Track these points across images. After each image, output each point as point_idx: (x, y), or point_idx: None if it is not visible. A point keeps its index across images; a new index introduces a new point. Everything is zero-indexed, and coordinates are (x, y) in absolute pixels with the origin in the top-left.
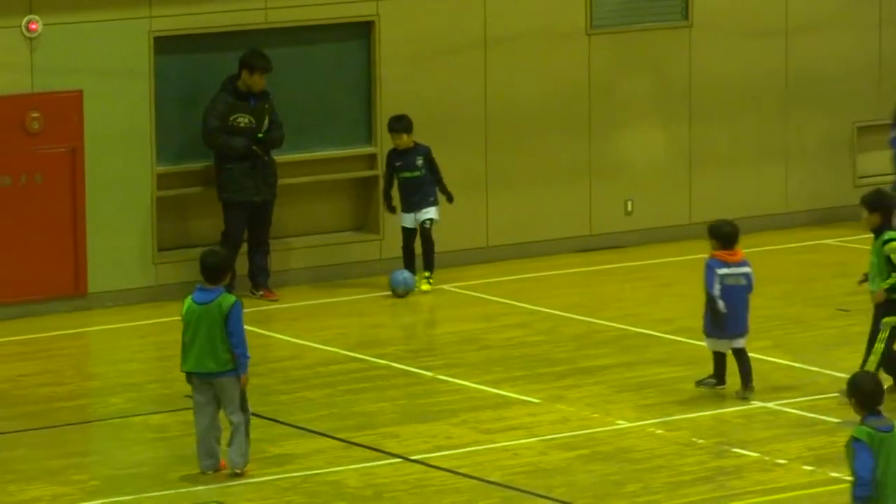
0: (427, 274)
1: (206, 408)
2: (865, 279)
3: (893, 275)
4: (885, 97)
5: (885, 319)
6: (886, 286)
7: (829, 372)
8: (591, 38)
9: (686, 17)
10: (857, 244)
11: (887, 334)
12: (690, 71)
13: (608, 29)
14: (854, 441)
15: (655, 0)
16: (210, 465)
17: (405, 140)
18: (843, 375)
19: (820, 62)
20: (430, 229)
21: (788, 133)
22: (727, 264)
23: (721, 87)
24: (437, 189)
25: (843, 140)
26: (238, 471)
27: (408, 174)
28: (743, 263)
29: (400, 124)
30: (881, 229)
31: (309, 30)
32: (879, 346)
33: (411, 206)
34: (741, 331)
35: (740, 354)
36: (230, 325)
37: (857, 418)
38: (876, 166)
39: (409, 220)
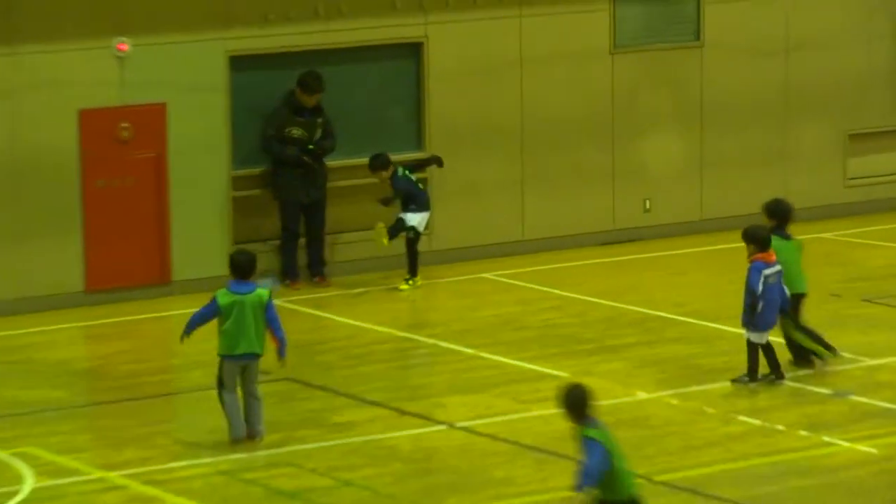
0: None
1: (236, 386)
2: None
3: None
4: (872, 108)
5: None
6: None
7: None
8: (615, 58)
9: (698, 38)
10: (848, 238)
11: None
12: (702, 85)
13: (629, 49)
14: (590, 439)
15: (671, 23)
16: (243, 435)
17: (383, 175)
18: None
19: (816, 77)
20: (417, 233)
21: (788, 140)
22: (768, 265)
23: (729, 100)
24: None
25: (836, 146)
26: (259, 438)
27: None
28: (776, 263)
29: (377, 161)
30: (778, 229)
31: (365, 49)
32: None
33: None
34: (775, 322)
35: (769, 343)
36: (269, 313)
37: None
38: (864, 169)
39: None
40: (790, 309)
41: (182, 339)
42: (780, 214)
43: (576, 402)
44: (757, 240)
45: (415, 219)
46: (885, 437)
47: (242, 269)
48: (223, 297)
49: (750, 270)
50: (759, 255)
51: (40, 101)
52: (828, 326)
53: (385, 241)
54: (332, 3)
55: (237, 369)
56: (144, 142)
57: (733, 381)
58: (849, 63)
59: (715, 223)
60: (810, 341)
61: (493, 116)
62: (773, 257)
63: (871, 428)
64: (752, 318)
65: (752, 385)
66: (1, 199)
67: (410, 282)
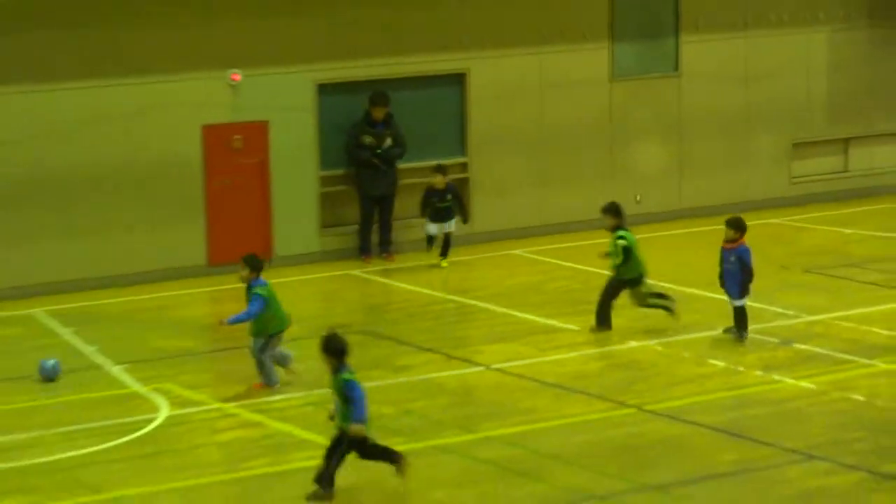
0: (444, 260)
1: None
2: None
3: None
4: (811, 123)
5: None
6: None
7: (773, 308)
8: (612, 84)
9: (676, 69)
10: (792, 223)
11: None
12: (680, 105)
13: (623, 78)
14: (350, 381)
15: (655, 58)
16: (278, 382)
17: (439, 181)
18: (781, 311)
19: (768, 99)
20: (450, 234)
21: (747, 147)
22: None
23: (700, 116)
24: (457, 211)
25: (783, 152)
26: (292, 362)
27: (441, 204)
28: None
29: (441, 169)
30: (616, 228)
31: (422, 78)
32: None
33: (440, 220)
34: None
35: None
36: None
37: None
38: (805, 170)
39: (433, 228)
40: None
41: (224, 324)
42: (622, 214)
43: (337, 348)
44: (743, 228)
45: (452, 224)
46: (821, 376)
47: (257, 264)
48: (265, 291)
49: (744, 253)
50: (742, 239)
51: (172, 118)
52: (777, 291)
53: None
54: (395, 43)
55: (280, 339)
56: (252, 150)
57: (725, 330)
58: (793, 89)
59: (691, 212)
60: (658, 300)
61: (519, 128)
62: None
63: (810, 369)
64: (748, 290)
65: (744, 336)
66: (143, 195)
67: (445, 262)
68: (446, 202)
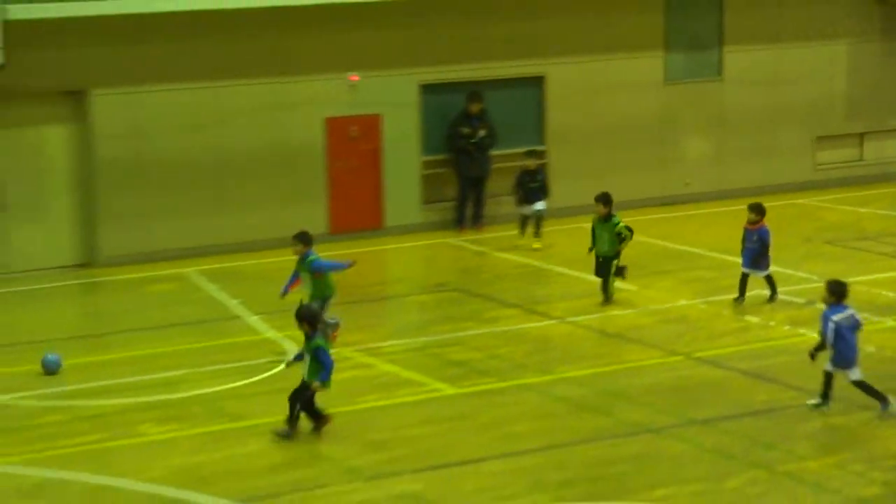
0: (537, 241)
1: None
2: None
3: (620, 245)
4: (831, 120)
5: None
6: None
7: (799, 273)
8: (665, 87)
9: (720, 73)
10: (816, 203)
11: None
12: (722, 105)
13: (675, 81)
14: (320, 348)
15: (702, 66)
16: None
17: (531, 164)
18: (806, 276)
19: (795, 99)
20: (541, 213)
21: (778, 139)
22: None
23: (740, 114)
24: (545, 192)
25: (808, 144)
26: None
27: (533, 185)
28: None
29: (532, 154)
30: (609, 216)
31: (509, 80)
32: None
33: (530, 201)
34: None
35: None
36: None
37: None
38: (826, 159)
39: (527, 210)
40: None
41: (283, 295)
42: (611, 202)
43: (309, 318)
44: (763, 212)
45: (542, 204)
46: None
47: (307, 239)
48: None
49: (765, 233)
50: (763, 222)
51: (302, 112)
52: (802, 259)
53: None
54: (486, 51)
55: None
56: (367, 139)
57: (769, 300)
58: (817, 91)
59: (730, 193)
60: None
61: (587, 122)
62: (758, 225)
63: None
64: (769, 262)
65: (774, 298)
66: (277, 174)
67: (538, 244)
68: (537, 182)
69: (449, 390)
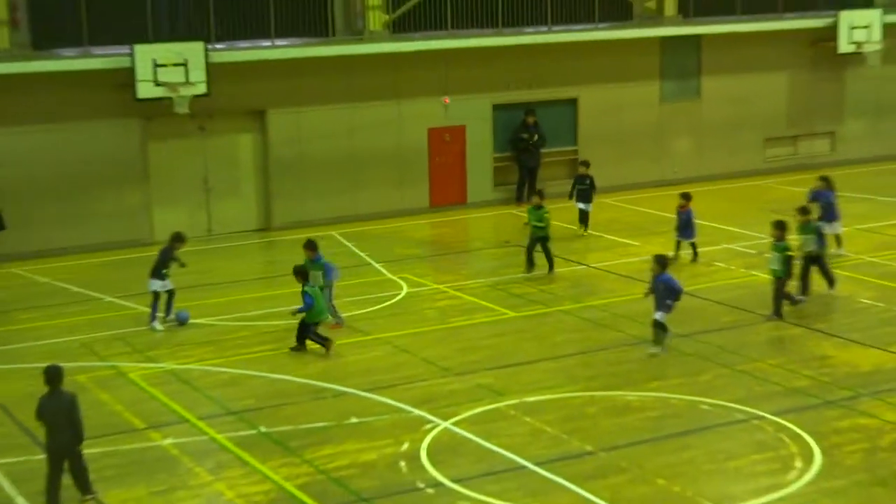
0: (586, 230)
1: None
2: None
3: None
4: (776, 126)
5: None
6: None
7: (750, 232)
8: (661, 105)
9: (699, 95)
10: (765, 184)
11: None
12: (701, 117)
13: (667, 101)
14: (305, 293)
15: (686, 90)
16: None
17: (582, 170)
18: (756, 234)
19: (751, 112)
20: (587, 211)
21: (739, 139)
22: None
23: (713, 123)
24: (592, 194)
25: (760, 143)
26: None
27: (581, 187)
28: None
29: (584, 163)
30: (541, 206)
31: (552, 101)
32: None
33: (582, 200)
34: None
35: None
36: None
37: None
38: (772, 154)
39: (581, 206)
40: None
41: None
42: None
43: (299, 272)
44: (689, 197)
45: (590, 206)
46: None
47: (314, 245)
48: (321, 265)
49: (690, 213)
50: (689, 205)
51: (411, 124)
52: (754, 223)
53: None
54: (537, 80)
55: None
56: (456, 142)
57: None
58: (766, 106)
59: (707, 177)
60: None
61: (607, 129)
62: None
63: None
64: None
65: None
66: (393, 168)
67: (585, 231)
68: (585, 185)
69: (511, 314)
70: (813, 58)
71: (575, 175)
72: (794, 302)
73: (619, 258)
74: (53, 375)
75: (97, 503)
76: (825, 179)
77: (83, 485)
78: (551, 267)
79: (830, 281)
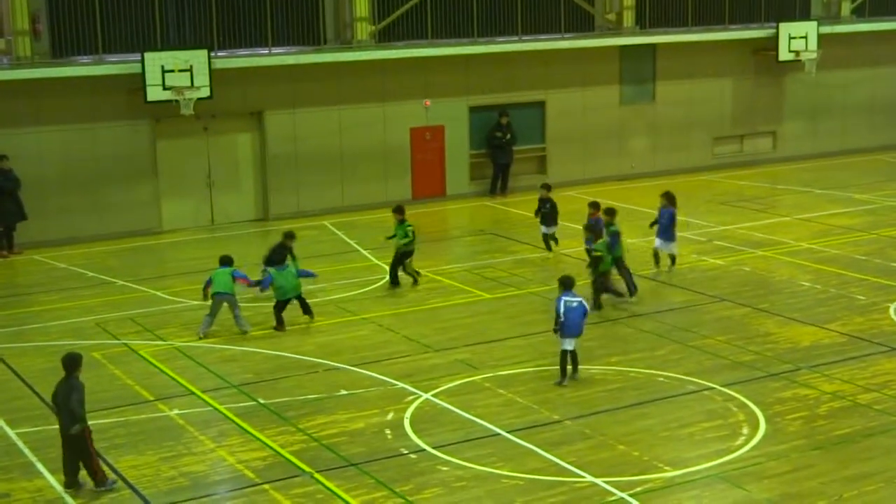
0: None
1: None
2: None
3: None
4: (724, 126)
5: None
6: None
7: (702, 222)
8: (620, 107)
9: (654, 98)
10: (713, 179)
11: None
12: (656, 118)
13: (627, 104)
14: (267, 272)
15: (642, 94)
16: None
17: (543, 193)
18: (706, 224)
19: (700, 113)
20: (548, 234)
21: (691, 137)
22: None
23: (667, 123)
24: (554, 217)
25: (709, 141)
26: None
27: (543, 211)
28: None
29: (546, 186)
30: (403, 220)
31: (523, 104)
32: None
33: (545, 223)
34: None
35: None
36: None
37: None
38: (720, 151)
39: (544, 229)
40: None
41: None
42: (404, 211)
43: (273, 260)
44: (598, 206)
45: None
46: (728, 257)
47: (277, 257)
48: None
49: (672, 213)
50: (672, 206)
51: (396, 124)
52: (705, 213)
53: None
54: (509, 85)
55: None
56: (435, 140)
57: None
58: (713, 108)
59: (663, 172)
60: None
61: (572, 130)
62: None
63: (722, 253)
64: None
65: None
66: (379, 163)
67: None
68: (546, 209)
69: (485, 296)
70: (756, 65)
71: (539, 199)
72: (617, 295)
73: (583, 245)
74: (66, 363)
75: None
76: (667, 196)
77: (68, 471)
78: (416, 281)
79: (630, 288)
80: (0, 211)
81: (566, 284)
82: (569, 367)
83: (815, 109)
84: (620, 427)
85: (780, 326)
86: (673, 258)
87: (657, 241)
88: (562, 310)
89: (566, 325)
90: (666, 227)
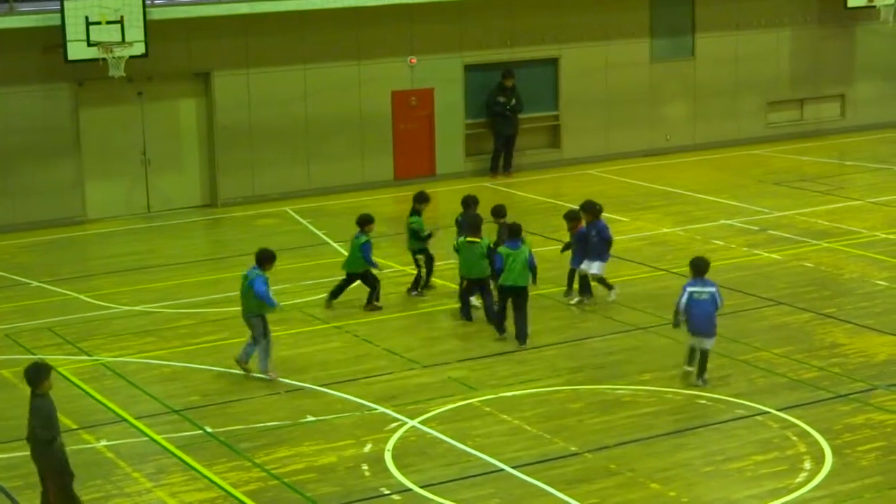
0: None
1: None
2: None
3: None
4: (779, 89)
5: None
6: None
7: (754, 207)
8: (651, 65)
9: (693, 54)
10: (767, 153)
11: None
12: (695, 78)
13: (659, 60)
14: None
15: (679, 48)
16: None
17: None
18: (759, 209)
19: (752, 73)
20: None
21: (739, 104)
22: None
23: (709, 85)
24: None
25: (761, 107)
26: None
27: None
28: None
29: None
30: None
31: (532, 61)
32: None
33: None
34: None
35: None
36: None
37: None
38: (775, 119)
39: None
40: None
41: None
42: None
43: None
44: (588, 210)
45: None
46: (785, 251)
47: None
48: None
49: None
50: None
51: (373, 87)
52: (757, 196)
53: None
54: (514, 39)
55: None
56: (423, 107)
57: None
58: (768, 67)
59: (703, 146)
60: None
61: (592, 92)
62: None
63: (778, 246)
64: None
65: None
66: (353, 136)
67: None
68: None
69: None
70: (820, 12)
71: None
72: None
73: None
74: (26, 377)
75: None
76: (591, 209)
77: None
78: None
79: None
80: None
81: (698, 269)
82: (690, 368)
83: (893, 68)
84: (653, 461)
85: (851, 336)
86: (603, 281)
87: (586, 263)
88: (684, 302)
89: (690, 322)
90: (597, 244)
